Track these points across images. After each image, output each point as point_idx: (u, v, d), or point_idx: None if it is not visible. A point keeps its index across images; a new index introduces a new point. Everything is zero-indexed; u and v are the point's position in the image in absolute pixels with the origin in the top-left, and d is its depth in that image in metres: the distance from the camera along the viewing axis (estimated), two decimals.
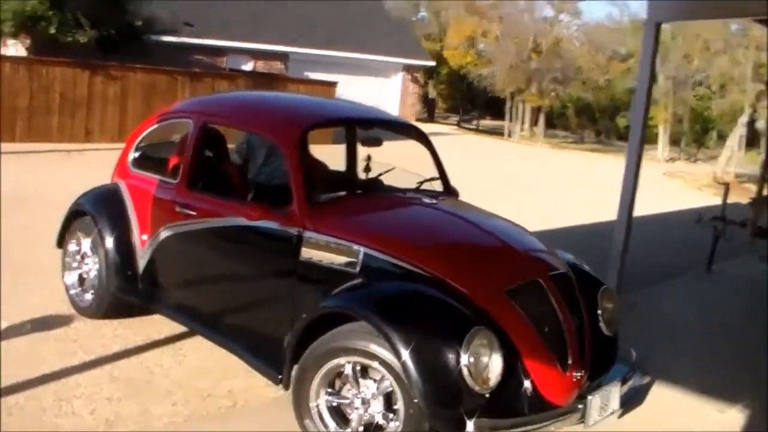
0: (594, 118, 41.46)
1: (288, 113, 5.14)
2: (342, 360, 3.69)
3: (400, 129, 5.75)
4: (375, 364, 3.59)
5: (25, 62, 16.13)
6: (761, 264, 8.70)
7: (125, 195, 5.44)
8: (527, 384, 3.67)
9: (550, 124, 38.19)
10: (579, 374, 3.82)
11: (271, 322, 4.35)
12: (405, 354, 3.41)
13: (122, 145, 5.79)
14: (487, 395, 3.48)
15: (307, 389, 3.80)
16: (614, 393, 3.99)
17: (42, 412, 4.13)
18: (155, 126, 5.60)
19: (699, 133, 36.53)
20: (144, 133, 5.64)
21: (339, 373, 3.76)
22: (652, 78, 6.97)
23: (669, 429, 4.60)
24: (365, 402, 3.68)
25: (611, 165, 23.33)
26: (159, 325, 5.43)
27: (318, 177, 5.06)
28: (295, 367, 3.91)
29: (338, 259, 4.07)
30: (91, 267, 5.45)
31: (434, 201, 4.76)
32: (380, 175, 5.30)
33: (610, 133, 40.16)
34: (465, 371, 3.41)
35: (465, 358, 3.42)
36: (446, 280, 3.82)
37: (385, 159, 5.32)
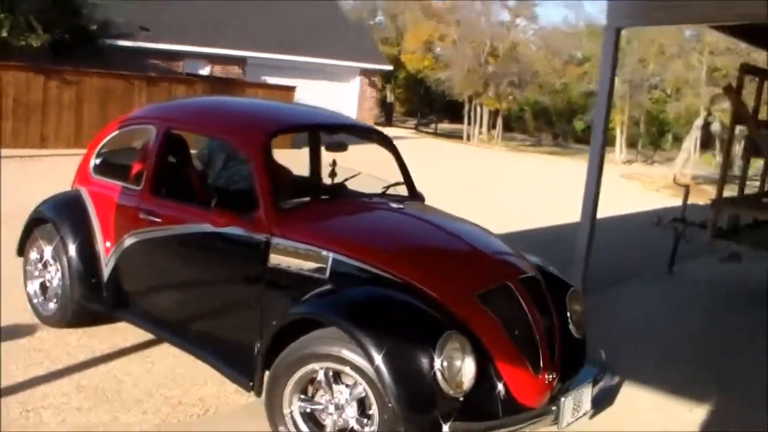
0: (551, 121, 42.04)
1: (253, 118, 5.09)
2: (314, 366, 3.67)
3: (365, 134, 5.73)
4: (347, 369, 3.58)
5: None
6: (721, 265, 8.86)
7: (87, 202, 5.34)
8: (500, 387, 3.68)
9: (507, 128, 38.61)
10: (551, 376, 3.85)
11: (240, 329, 4.30)
12: (378, 359, 3.40)
13: (79, 151, 5.70)
14: (461, 399, 3.48)
15: (280, 396, 3.78)
16: (586, 394, 4.02)
17: (9, 423, 4.03)
18: (116, 132, 5.51)
19: (655, 136, 37.28)
20: (105, 139, 5.54)
21: (312, 380, 3.74)
22: (613, 82, 7.06)
23: (640, 429, 4.66)
24: (339, 407, 3.67)
25: (569, 167, 23.68)
26: (125, 333, 5.35)
27: (283, 183, 5.02)
28: (267, 374, 3.88)
29: (307, 265, 4.05)
30: (54, 275, 5.35)
31: (401, 206, 4.75)
32: (346, 180, 5.29)
33: (567, 135, 40.74)
34: (439, 375, 3.41)
35: (438, 363, 3.42)
36: (417, 284, 3.81)
37: (350, 164, 5.31)
